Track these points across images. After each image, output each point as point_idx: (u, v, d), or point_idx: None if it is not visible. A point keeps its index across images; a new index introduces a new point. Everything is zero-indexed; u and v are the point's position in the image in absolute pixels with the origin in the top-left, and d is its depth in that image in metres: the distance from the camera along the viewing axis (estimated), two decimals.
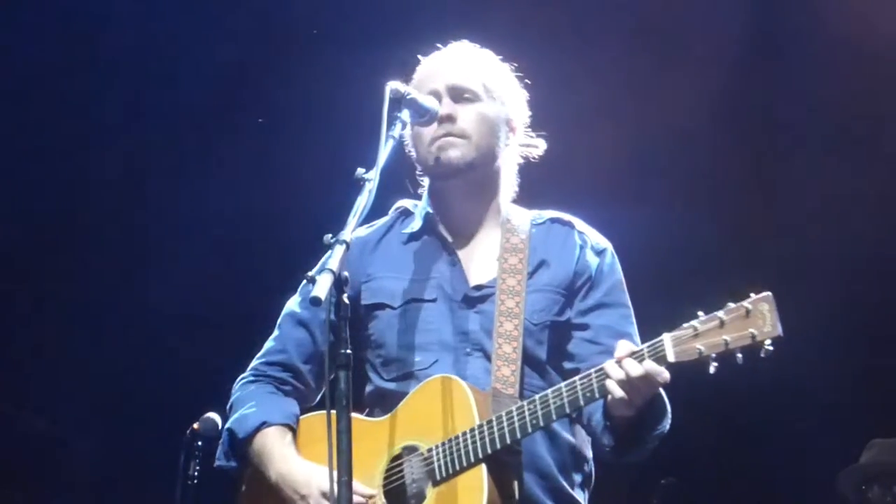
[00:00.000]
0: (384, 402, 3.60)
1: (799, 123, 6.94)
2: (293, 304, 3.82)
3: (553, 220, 3.78)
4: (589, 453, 3.66)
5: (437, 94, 3.66)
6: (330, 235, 3.13)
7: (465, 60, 3.77)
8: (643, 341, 3.30)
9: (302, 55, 6.71)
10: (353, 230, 3.18)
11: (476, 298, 3.64)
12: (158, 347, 7.01)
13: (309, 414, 3.71)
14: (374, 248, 3.77)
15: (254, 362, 3.82)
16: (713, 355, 3.14)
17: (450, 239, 3.73)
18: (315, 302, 2.98)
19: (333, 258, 3.06)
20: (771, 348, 3.11)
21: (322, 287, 2.99)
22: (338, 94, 6.45)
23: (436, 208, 3.76)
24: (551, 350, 3.61)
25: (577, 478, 3.63)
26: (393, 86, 3.52)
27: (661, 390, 3.34)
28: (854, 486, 6.63)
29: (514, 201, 3.83)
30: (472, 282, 3.66)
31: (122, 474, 7.04)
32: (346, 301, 3.07)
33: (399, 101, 3.50)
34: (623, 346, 3.27)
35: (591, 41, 6.65)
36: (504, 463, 3.37)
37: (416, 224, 3.78)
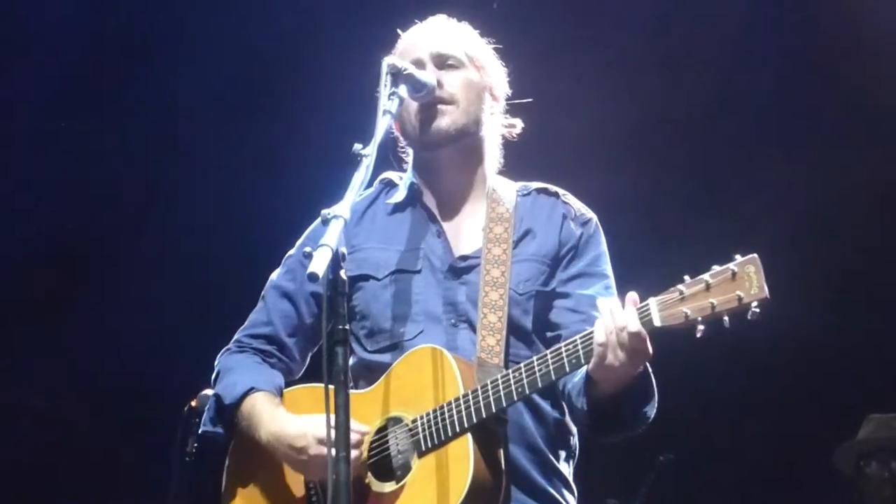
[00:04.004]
0: (368, 374, 3.57)
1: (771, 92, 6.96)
2: (277, 276, 3.81)
3: (539, 191, 3.77)
4: (574, 427, 3.65)
5: (420, 63, 3.65)
6: (327, 211, 3.11)
7: (446, 30, 3.78)
8: None
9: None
10: (349, 206, 3.15)
11: (462, 269, 3.62)
12: (156, 324, 7.00)
13: (294, 387, 3.70)
14: (360, 219, 3.74)
15: (237, 335, 3.81)
16: (699, 318, 3.09)
17: (435, 210, 3.72)
18: (312, 278, 2.95)
19: (330, 233, 3.03)
20: (758, 311, 3.05)
21: (319, 262, 2.96)
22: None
23: (421, 179, 3.75)
24: (537, 320, 3.59)
25: (563, 452, 3.61)
26: (390, 61, 3.52)
27: (651, 372, 3.32)
28: (852, 461, 6.64)
29: (500, 174, 3.82)
30: (458, 252, 3.65)
31: (120, 451, 7.05)
32: (344, 277, 3.04)
33: (396, 77, 3.49)
34: (605, 303, 3.23)
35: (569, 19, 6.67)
36: (490, 432, 3.35)
37: (400, 195, 3.77)
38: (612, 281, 3.66)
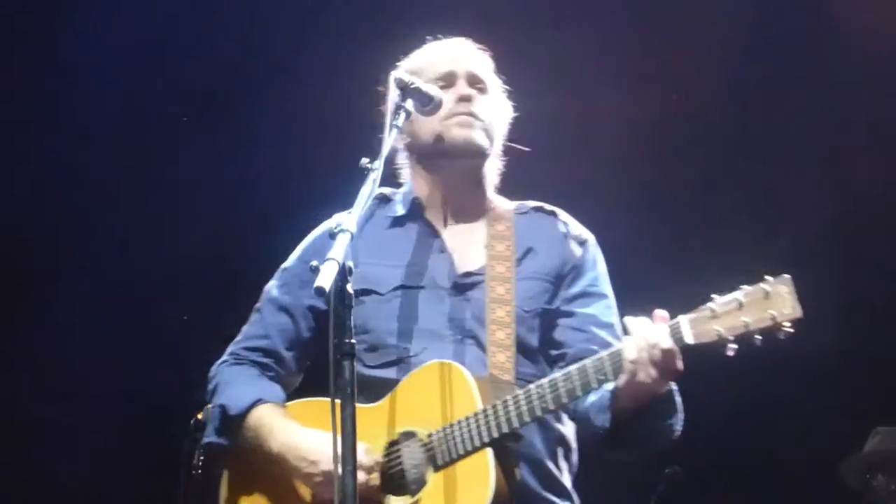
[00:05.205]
0: (366, 390, 3.48)
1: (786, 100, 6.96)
2: (273, 289, 3.80)
3: (536, 209, 3.81)
4: (575, 444, 3.65)
5: (452, 76, 3.71)
6: (335, 225, 3.11)
7: (478, 54, 3.83)
8: None
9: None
10: (357, 219, 3.16)
11: (465, 286, 3.63)
12: (161, 338, 7.00)
13: (292, 402, 3.68)
14: (358, 234, 3.70)
15: (232, 347, 3.79)
16: (732, 337, 3.10)
17: (437, 225, 3.73)
18: (319, 292, 2.95)
19: (337, 247, 3.03)
20: (791, 330, 3.06)
21: (326, 276, 2.96)
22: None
23: (424, 194, 3.76)
24: (541, 338, 3.60)
25: (565, 465, 3.62)
26: (398, 75, 3.55)
27: (674, 388, 3.32)
28: (858, 474, 6.64)
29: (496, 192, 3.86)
30: (461, 269, 3.66)
31: (126, 463, 7.05)
32: (350, 290, 3.04)
33: (403, 91, 3.52)
34: (635, 321, 3.23)
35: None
36: (506, 448, 3.35)
37: (400, 209, 3.77)
38: (612, 301, 3.69)
